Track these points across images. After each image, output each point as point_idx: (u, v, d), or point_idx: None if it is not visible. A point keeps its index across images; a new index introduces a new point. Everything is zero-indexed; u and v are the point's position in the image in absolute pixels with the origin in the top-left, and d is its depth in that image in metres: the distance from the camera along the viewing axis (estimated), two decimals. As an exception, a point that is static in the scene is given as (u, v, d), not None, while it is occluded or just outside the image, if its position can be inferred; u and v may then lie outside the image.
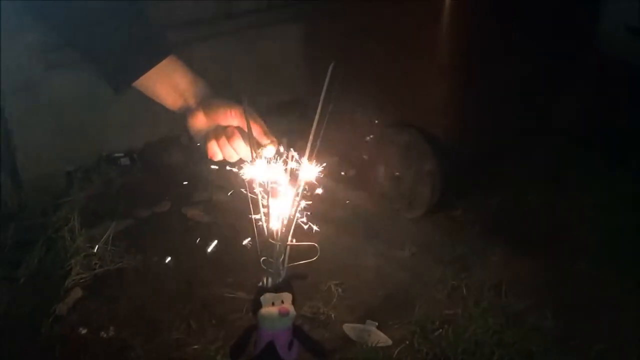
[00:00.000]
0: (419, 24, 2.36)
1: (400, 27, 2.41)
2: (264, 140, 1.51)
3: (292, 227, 1.51)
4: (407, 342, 1.94)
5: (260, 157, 1.49)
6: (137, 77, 1.52)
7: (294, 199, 1.47)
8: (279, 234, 1.52)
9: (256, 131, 1.50)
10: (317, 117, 1.43)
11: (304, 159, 1.45)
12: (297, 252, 1.55)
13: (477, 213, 2.57)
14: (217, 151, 1.51)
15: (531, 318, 2.01)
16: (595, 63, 2.79)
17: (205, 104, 1.54)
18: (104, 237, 2.25)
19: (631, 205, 2.50)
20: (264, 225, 1.52)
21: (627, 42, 2.94)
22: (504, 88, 2.50)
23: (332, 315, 2.05)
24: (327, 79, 1.42)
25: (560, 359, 1.89)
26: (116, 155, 2.75)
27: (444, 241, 2.41)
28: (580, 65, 2.77)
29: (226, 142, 1.48)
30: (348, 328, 2.01)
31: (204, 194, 2.60)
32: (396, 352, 1.91)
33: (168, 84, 1.54)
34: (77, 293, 2.11)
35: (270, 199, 1.48)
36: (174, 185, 2.65)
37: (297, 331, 1.64)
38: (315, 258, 1.52)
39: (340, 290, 2.15)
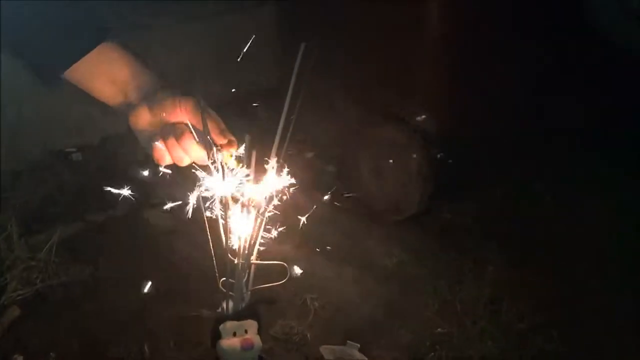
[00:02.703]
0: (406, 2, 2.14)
1: (385, 6, 2.16)
2: (221, 140, 1.26)
3: (257, 243, 1.27)
4: (394, 368, 1.70)
5: (216, 162, 1.24)
6: (66, 68, 1.29)
7: (259, 211, 1.22)
8: (242, 250, 1.27)
9: (212, 128, 1.25)
10: (285, 108, 1.18)
11: (271, 162, 1.21)
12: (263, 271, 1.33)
13: (471, 217, 2.36)
14: (164, 154, 1.26)
15: (536, 340, 1.79)
16: (598, 52, 2.56)
17: (150, 98, 1.31)
18: (48, 245, 1.98)
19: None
20: (224, 241, 1.27)
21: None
22: (501, 79, 2.30)
23: (308, 335, 1.82)
24: (297, 62, 1.18)
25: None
26: (67, 150, 2.48)
27: (433, 248, 2.19)
28: (581, 55, 2.54)
29: (175, 143, 1.25)
30: (326, 351, 1.78)
31: (165, 195, 2.32)
32: (382, 380, 1.67)
33: (105, 75, 1.31)
34: (14, 312, 1.85)
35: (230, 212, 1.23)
36: (134, 186, 2.37)
37: (264, 365, 1.39)
38: (285, 280, 1.29)
39: (316, 305, 1.92)
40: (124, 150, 2.52)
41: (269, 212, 1.28)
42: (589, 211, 2.30)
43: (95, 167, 2.51)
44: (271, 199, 1.26)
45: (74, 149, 2.48)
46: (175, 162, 1.30)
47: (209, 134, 1.24)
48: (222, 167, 1.25)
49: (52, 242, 1.98)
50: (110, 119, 2.45)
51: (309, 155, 2.43)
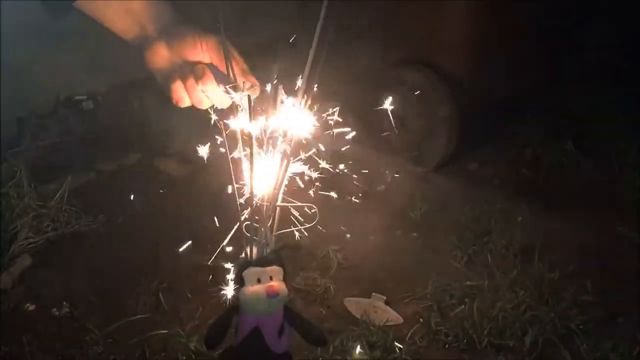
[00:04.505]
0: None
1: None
2: (244, 82, 1.16)
3: (283, 186, 1.17)
4: (422, 321, 1.66)
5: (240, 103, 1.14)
6: None
7: (285, 152, 1.13)
8: (267, 193, 1.18)
9: (234, 70, 1.14)
10: (312, 52, 1.08)
11: (297, 104, 1.11)
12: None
13: (497, 166, 2.28)
14: (183, 96, 1.19)
15: (569, 290, 1.70)
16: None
17: (169, 33, 1.21)
18: (59, 194, 1.92)
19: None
20: (248, 183, 1.18)
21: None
22: (530, 26, 2.18)
23: (331, 288, 1.75)
24: (323, 7, 1.07)
25: (607, 340, 1.58)
26: (77, 98, 2.42)
27: (459, 199, 2.11)
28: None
29: (195, 84, 1.17)
30: (350, 303, 1.71)
31: (180, 143, 2.25)
32: (409, 334, 1.60)
33: (120, 5, 1.21)
34: (25, 261, 1.80)
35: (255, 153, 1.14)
36: (145, 134, 2.30)
37: (288, 314, 1.31)
38: (313, 223, 1.20)
39: (340, 257, 1.84)
40: (133, 98, 2.43)
41: (296, 156, 1.18)
42: (614, 159, 2.24)
43: (105, 115, 2.42)
44: (298, 142, 1.17)
45: (84, 97, 2.39)
46: (194, 104, 1.21)
47: (232, 73, 1.14)
48: (248, 106, 1.15)
49: (64, 190, 1.92)
50: (117, 67, 2.38)
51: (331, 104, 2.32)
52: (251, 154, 1.18)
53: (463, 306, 1.66)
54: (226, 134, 1.17)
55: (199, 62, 1.19)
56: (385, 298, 1.71)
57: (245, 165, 1.20)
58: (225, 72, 1.16)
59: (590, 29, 2.45)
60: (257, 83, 1.20)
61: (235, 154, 1.19)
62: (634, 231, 1.95)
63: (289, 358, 1.29)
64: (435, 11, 2.07)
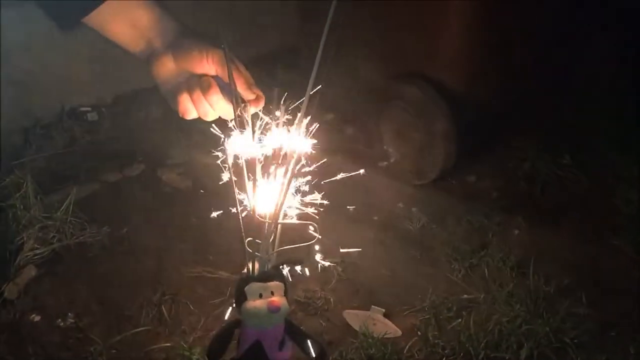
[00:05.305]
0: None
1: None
2: (249, 95, 1.18)
3: (284, 203, 1.20)
4: (420, 333, 1.68)
5: (245, 117, 1.17)
6: (87, 13, 1.19)
7: (287, 169, 1.16)
8: (269, 210, 1.21)
9: (239, 83, 1.17)
10: (316, 65, 1.11)
11: (300, 119, 1.14)
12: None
13: (495, 179, 2.29)
14: (190, 108, 1.19)
15: (563, 303, 1.72)
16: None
17: (175, 46, 1.22)
18: (64, 205, 1.94)
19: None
20: (251, 200, 1.21)
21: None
22: (528, 38, 2.18)
23: (331, 300, 1.78)
24: (328, 20, 1.10)
25: (600, 353, 1.61)
26: (82, 109, 2.43)
27: (457, 211, 2.12)
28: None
29: (201, 96, 1.18)
30: (350, 315, 1.74)
31: (182, 155, 2.27)
32: (407, 346, 1.63)
33: (127, 20, 1.22)
34: (30, 272, 1.82)
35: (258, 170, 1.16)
36: (148, 145, 2.32)
37: (290, 328, 1.34)
38: (314, 240, 1.22)
39: (339, 269, 1.86)
40: (137, 109, 2.46)
41: (297, 172, 1.21)
42: (609, 173, 2.26)
43: (109, 126, 2.44)
44: (298, 159, 1.19)
45: (88, 108, 2.41)
46: (201, 116, 1.23)
47: (236, 87, 1.16)
48: (251, 124, 1.18)
49: (69, 202, 1.94)
50: (121, 79, 2.40)
51: (329, 116, 2.36)
52: (254, 171, 1.22)
53: (460, 319, 1.68)
54: (228, 152, 1.20)
55: (204, 75, 1.21)
56: (384, 311, 1.73)
57: (247, 182, 1.23)
58: (229, 84, 1.18)
59: (589, 42, 2.47)
60: (262, 95, 1.22)
61: (238, 172, 1.22)
62: (629, 245, 1.97)
63: (290, 371, 1.32)
64: (433, 26, 2.09)
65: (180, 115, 1.22)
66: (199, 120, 1.24)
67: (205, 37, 1.22)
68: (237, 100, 1.17)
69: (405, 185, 2.26)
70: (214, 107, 1.20)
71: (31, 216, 1.90)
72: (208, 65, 1.19)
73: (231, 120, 1.20)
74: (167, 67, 1.22)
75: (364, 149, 2.30)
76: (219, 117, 1.23)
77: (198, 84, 1.19)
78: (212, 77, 1.20)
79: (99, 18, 1.21)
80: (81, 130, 2.39)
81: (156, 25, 1.22)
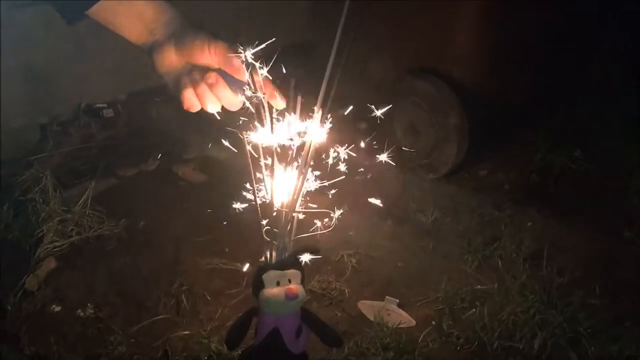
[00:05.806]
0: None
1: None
2: (279, 104, 1.20)
3: (301, 192, 1.22)
4: (434, 323, 1.69)
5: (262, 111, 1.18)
6: (91, 5, 1.21)
7: (304, 159, 1.17)
8: (286, 199, 1.22)
9: (268, 93, 1.18)
10: (331, 59, 1.12)
11: (316, 111, 1.15)
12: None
13: (507, 172, 2.30)
14: (195, 102, 1.19)
15: (577, 294, 1.73)
16: None
17: (177, 37, 1.22)
18: (82, 199, 1.98)
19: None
20: (268, 189, 1.22)
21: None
22: (541, 33, 2.19)
23: (346, 291, 1.79)
24: (343, 14, 1.11)
25: (614, 343, 1.61)
26: (98, 105, 2.47)
27: (470, 205, 2.13)
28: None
29: (206, 90, 1.18)
30: (364, 306, 1.75)
31: (197, 150, 2.30)
32: (421, 336, 1.64)
33: (130, 12, 1.23)
34: (50, 264, 1.86)
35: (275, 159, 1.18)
36: (164, 141, 2.35)
37: (306, 316, 1.35)
38: (330, 229, 1.23)
39: (354, 261, 1.88)
40: (152, 105, 2.49)
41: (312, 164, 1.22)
42: (622, 167, 2.26)
43: (124, 122, 2.47)
44: (315, 151, 1.21)
45: (104, 105, 2.44)
46: (205, 109, 1.24)
47: (254, 83, 1.18)
48: (270, 116, 1.19)
49: (87, 196, 1.97)
50: (136, 75, 2.42)
51: (346, 111, 2.36)
52: (272, 162, 1.23)
53: (474, 309, 1.70)
54: (247, 142, 1.22)
55: (207, 66, 1.22)
56: (398, 301, 1.75)
57: (265, 172, 1.25)
58: (231, 75, 1.19)
59: (600, 37, 2.47)
60: (285, 98, 1.24)
61: (256, 162, 1.24)
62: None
63: (306, 358, 1.33)
64: (446, 21, 2.11)
65: (186, 109, 1.24)
66: (214, 116, 1.26)
67: (207, 29, 1.24)
68: (260, 102, 1.19)
69: (418, 178, 2.27)
70: (221, 100, 1.22)
71: (50, 210, 1.93)
72: (210, 56, 1.20)
73: (247, 111, 1.21)
74: (169, 58, 1.22)
75: (377, 143, 2.30)
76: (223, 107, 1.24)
77: (201, 77, 1.20)
78: (216, 70, 1.22)
79: (102, 11, 1.22)
80: (97, 126, 2.41)
81: (159, 17, 1.23)
